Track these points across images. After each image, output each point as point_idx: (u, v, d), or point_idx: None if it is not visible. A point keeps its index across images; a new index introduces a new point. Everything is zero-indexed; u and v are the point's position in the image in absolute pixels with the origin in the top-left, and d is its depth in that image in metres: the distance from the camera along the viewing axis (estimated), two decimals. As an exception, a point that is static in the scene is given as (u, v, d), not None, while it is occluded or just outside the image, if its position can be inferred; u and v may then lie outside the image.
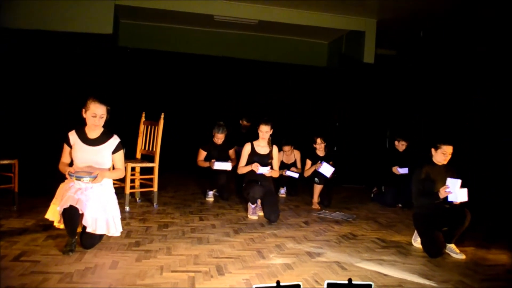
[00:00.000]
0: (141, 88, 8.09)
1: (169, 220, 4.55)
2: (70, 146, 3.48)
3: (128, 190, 4.81)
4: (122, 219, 4.37)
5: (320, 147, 6.00)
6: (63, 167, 3.44)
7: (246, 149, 5.11)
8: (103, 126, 3.57)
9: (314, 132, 6.36)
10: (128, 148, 6.88)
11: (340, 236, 4.34)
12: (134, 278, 2.85)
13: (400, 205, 6.18)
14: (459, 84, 7.91)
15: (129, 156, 5.24)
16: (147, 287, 2.72)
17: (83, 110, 3.44)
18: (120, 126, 7.37)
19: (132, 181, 5.12)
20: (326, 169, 5.61)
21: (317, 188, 5.78)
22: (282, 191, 6.58)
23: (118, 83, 7.74)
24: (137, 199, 5.38)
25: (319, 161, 5.71)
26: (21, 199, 4.67)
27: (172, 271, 3.03)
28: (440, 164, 4.09)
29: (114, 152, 3.55)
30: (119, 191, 5.03)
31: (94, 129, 3.49)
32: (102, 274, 2.89)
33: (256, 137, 5.15)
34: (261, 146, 5.13)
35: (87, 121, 3.45)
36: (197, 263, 3.25)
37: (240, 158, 5.19)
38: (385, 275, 3.24)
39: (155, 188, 5.07)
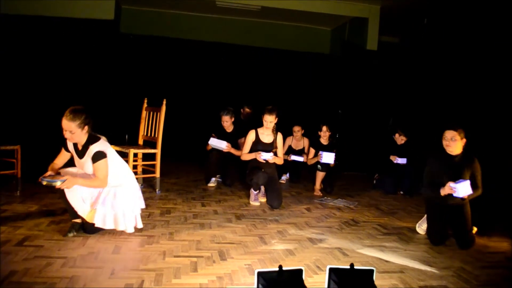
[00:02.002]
0: (143, 74, 8.05)
1: (171, 206, 4.56)
2: (68, 151, 3.51)
3: (130, 176, 4.82)
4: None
5: (324, 135, 5.99)
6: (50, 167, 3.47)
7: (250, 136, 5.08)
8: (92, 131, 3.48)
9: (317, 119, 6.35)
10: (130, 134, 6.92)
11: (342, 222, 4.35)
12: (137, 263, 2.87)
13: (401, 192, 6.18)
14: (463, 73, 7.86)
15: (131, 142, 5.25)
16: (150, 271, 2.74)
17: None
18: (123, 112, 7.44)
19: (135, 167, 5.13)
20: (328, 158, 5.60)
21: (319, 175, 5.78)
22: (284, 177, 6.59)
23: (120, 70, 7.71)
24: (140, 185, 5.38)
25: (319, 153, 5.68)
26: (24, 185, 4.69)
27: (175, 256, 3.05)
28: (449, 152, 3.81)
29: (93, 161, 3.34)
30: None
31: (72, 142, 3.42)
32: (105, 259, 2.91)
33: (258, 124, 5.13)
34: (265, 135, 5.09)
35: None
36: (199, 248, 3.27)
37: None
38: (387, 261, 3.25)
39: (157, 174, 5.08)
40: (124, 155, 4.88)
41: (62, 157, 3.54)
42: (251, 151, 5.07)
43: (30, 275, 2.55)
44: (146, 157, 5.31)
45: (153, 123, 5.17)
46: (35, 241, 3.16)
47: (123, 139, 7.19)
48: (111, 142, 5.05)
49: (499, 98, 7.03)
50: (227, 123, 5.90)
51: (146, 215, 4.11)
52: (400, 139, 6.33)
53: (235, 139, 5.98)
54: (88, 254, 2.96)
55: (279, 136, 5.15)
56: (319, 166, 5.74)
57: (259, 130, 5.11)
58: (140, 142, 5.34)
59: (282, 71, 8.84)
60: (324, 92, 8.94)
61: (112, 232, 3.48)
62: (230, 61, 8.60)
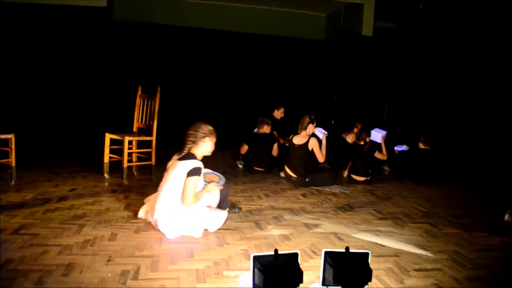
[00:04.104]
0: (137, 61, 7.99)
1: (167, 193, 4.56)
2: None
3: (126, 164, 4.81)
4: (120, 192, 4.43)
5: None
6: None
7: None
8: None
9: (313, 106, 6.38)
10: (125, 122, 6.88)
11: (337, 207, 4.37)
12: (133, 250, 2.88)
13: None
14: (458, 58, 7.84)
15: (126, 130, 5.23)
16: (146, 258, 2.75)
17: (207, 137, 3.40)
18: (117, 100, 7.40)
19: (130, 154, 5.10)
20: (376, 136, 5.92)
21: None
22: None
23: (113, 57, 7.65)
24: (135, 172, 5.38)
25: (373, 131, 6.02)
26: (19, 173, 4.67)
27: (171, 243, 3.06)
28: None
29: None
30: (117, 165, 5.06)
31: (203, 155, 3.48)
32: (101, 246, 2.92)
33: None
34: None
35: (207, 148, 3.44)
36: (195, 234, 3.28)
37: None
38: (382, 245, 3.28)
39: (153, 161, 5.07)
40: (119, 143, 4.89)
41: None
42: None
43: (26, 262, 2.56)
44: (141, 144, 5.29)
45: (147, 110, 5.14)
46: (31, 229, 3.15)
47: (118, 126, 7.15)
48: (106, 130, 5.07)
49: (494, 83, 7.04)
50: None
51: (141, 202, 4.10)
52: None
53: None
54: (84, 242, 2.96)
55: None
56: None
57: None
58: (135, 129, 5.31)
59: (277, 57, 8.80)
60: (320, 79, 8.91)
61: (108, 220, 3.49)
62: (224, 47, 8.55)
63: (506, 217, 4.26)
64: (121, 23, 7.98)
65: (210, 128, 3.42)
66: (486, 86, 7.24)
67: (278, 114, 7.12)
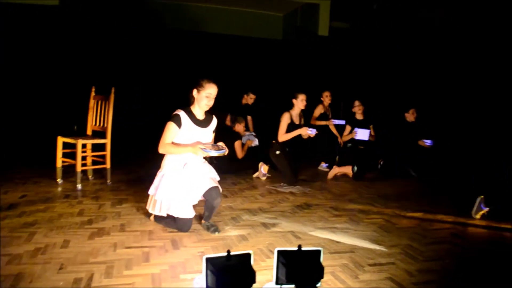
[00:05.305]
0: (91, 62, 7.77)
1: (123, 196, 4.47)
2: (180, 126, 3.33)
3: (79, 168, 4.68)
4: (74, 197, 4.31)
5: (359, 110, 6.19)
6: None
7: (286, 119, 5.44)
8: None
9: (272, 106, 6.41)
10: (78, 124, 6.68)
11: (295, 206, 4.42)
12: (87, 256, 2.81)
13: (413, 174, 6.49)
14: (411, 55, 8.11)
15: (81, 133, 5.09)
16: (100, 264, 2.69)
17: (195, 89, 3.34)
18: (70, 102, 7.18)
19: (83, 158, 4.97)
20: (363, 134, 5.90)
21: (347, 169, 5.99)
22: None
23: (66, 58, 7.42)
24: (90, 176, 5.24)
25: (354, 130, 5.95)
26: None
27: (126, 247, 3.01)
28: None
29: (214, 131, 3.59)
30: (70, 169, 4.92)
31: (203, 109, 3.42)
32: (53, 253, 2.83)
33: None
34: (296, 116, 5.59)
35: (199, 102, 3.35)
36: (151, 238, 3.23)
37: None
38: (338, 242, 3.35)
39: (108, 165, 4.96)
40: (72, 146, 4.75)
41: (174, 135, 3.34)
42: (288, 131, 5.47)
43: (-29, 274, 2.45)
44: (96, 147, 5.15)
45: (102, 112, 5.01)
46: (-24, 239, 3.02)
47: (72, 129, 6.95)
48: (60, 133, 4.92)
49: (447, 78, 7.33)
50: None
51: (96, 207, 4.01)
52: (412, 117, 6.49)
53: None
54: (34, 250, 2.87)
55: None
56: (354, 168, 5.91)
57: (292, 112, 5.54)
58: (89, 132, 5.17)
59: (235, 56, 8.78)
60: (277, 78, 8.97)
61: (61, 226, 3.38)
62: (180, 47, 8.45)
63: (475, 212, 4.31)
64: (73, 22, 7.74)
65: (202, 80, 3.37)
66: (441, 80, 7.55)
67: (248, 99, 7.18)
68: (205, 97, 3.33)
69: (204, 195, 3.37)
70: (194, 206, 3.41)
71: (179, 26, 8.64)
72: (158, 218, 3.59)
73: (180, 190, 3.29)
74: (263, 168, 5.84)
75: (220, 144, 3.38)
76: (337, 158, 6.62)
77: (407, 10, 8.47)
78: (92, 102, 5.14)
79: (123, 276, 2.54)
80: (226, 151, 3.30)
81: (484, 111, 7.02)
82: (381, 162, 6.81)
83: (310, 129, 5.34)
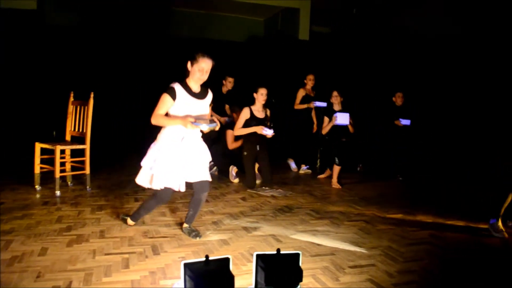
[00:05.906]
0: (69, 67, 7.66)
1: (103, 202, 4.42)
2: (174, 99, 3.27)
3: (58, 174, 4.60)
4: (52, 204, 4.25)
5: (336, 101, 6.14)
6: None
7: (245, 113, 5.52)
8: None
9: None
10: (57, 130, 6.59)
11: (276, 210, 4.43)
12: (65, 264, 2.77)
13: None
14: (389, 59, 8.22)
15: (58, 139, 5.02)
16: (79, 271, 2.66)
17: (189, 62, 3.33)
18: (49, 107, 7.08)
19: (62, 164, 4.90)
20: (343, 118, 5.74)
21: (336, 169, 5.84)
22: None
23: (44, 62, 7.30)
24: (69, 183, 5.16)
25: (334, 115, 5.77)
26: None
27: (106, 254, 2.97)
28: None
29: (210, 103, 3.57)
30: (49, 175, 4.85)
31: (198, 83, 3.38)
32: (30, 261, 2.78)
33: None
34: (258, 110, 5.60)
35: (193, 75, 3.32)
36: (131, 244, 3.20)
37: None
38: (319, 244, 3.36)
39: (87, 171, 4.89)
40: (51, 152, 4.68)
41: (167, 107, 3.28)
42: (246, 126, 5.53)
43: None
44: (75, 153, 5.09)
45: (80, 117, 4.95)
46: (-50, 248, 2.95)
47: (50, 135, 6.84)
48: (37, 138, 4.84)
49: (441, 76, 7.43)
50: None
51: (75, 213, 3.96)
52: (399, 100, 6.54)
53: None
54: (11, 258, 2.81)
55: (268, 111, 5.74)
56: (336, 159, 5.81)
57: (252, 107, 5.59)
58: (68, 138, 5.10)
59: (216, 61, 8.75)
60: (258, 82, 8.97)
61: (39, 234, 3.33)
62: (161, 51, 8.39)
63: None
64: (51, 26, 7.64)
65: (197, 54, 3.35)
66: (422, 82, 7.67)
67: (227, 84, 6.96)
68: (197, 70, 3.31)
69: (195, 184, 3.35)
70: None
71: (159, 31, 8.59)
72: (135, 216, 3.61)
73: (178, 163, 3.26)
74: (233, 170, 5.91)
75: (212, 118, 3.38)
76: (318, 162, 6.65)
77: (386, 15, 8.62)
78: (70, 108, 5.07)
79: (102, 283, 2.52)
80: (217, 125, 3.26)
81: (480, 108, 7.12)
82: (360, 166, 6.88)
83: (266, 129, 5.38)
